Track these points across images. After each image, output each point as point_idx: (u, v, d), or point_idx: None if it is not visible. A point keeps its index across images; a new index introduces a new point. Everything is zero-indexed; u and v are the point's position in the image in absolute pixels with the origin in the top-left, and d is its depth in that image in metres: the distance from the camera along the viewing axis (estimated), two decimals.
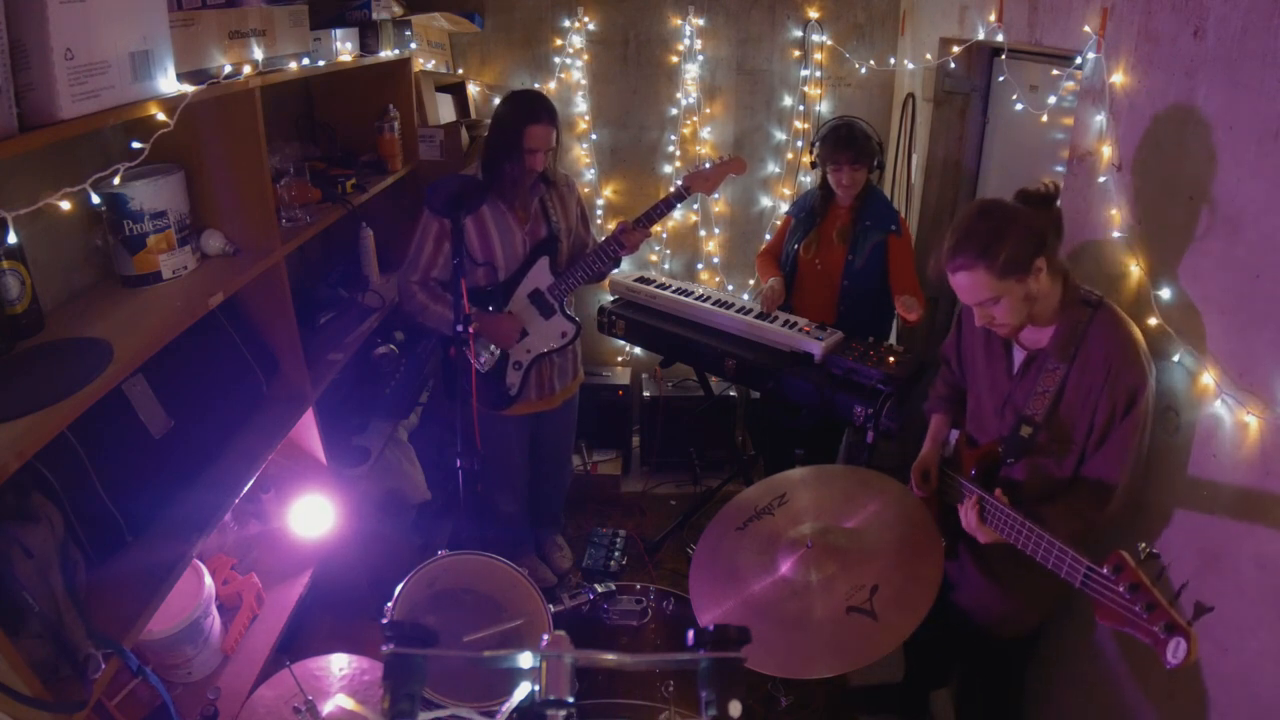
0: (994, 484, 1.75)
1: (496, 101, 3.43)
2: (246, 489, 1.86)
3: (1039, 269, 1.57)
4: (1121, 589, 1.34)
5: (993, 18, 2.36)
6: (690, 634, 0.99)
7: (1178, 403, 1.63)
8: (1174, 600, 1.30)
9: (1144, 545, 1.36)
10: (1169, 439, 1.66)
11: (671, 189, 2.54)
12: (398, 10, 2.77)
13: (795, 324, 2.68)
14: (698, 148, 3.48)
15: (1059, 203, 1.71)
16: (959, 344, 1.99)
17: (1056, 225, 1.66)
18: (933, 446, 2.01)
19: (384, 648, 0.98)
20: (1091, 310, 1.64)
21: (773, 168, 3.58)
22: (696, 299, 2.89)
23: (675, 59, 3.39)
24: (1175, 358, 1.60)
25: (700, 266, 3.75)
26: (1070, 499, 1.69)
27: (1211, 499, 1.55)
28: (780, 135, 3.52)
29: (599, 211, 3.62)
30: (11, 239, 1.32)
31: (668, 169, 3.56)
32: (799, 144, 3.46)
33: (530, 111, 2.30)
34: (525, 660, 0.98)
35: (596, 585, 2.12)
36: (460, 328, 1.94)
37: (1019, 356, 1.77)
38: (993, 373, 1.83)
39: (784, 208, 3.42)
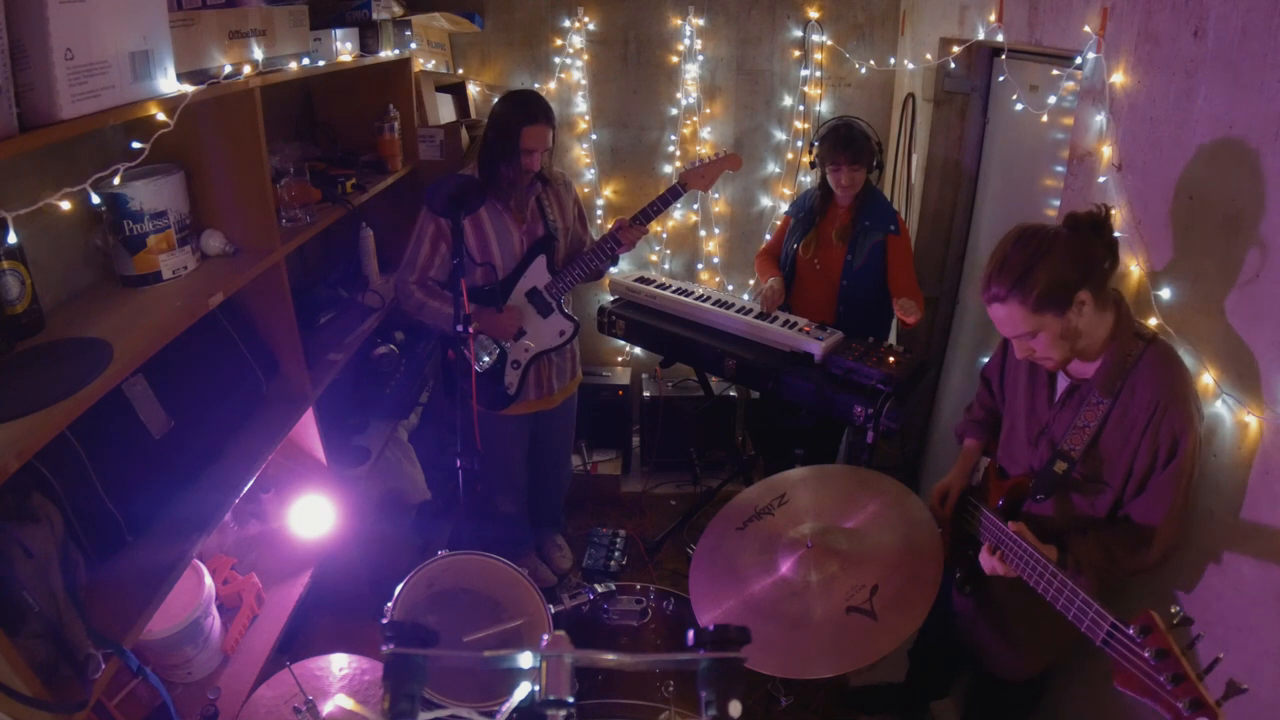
0: (1019, 519, 1.65)
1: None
2: (246, 489, 1.86)
3: (1082, 302, 1.46)
4: (1147, 654, 1.22)
5: (993, 18, 2.36)
6: (690, 634, 0.99)
7: None
8: (1204, 674, 1.17)
9: (1178, 609, 1.24)
10: None
11: (668, 187, 2.54)
12: (398, 10, 2.77)
13: (795, 324, 2.68)
14: (698, 148, 3.48)
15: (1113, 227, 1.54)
16: (1003, 364, 1.88)
17: (1111, 252, 1.50)
18: (959, 472, 1.93)
19: (384, 648, 0.98)
20: (1144, 345, 1.52)
21: (773, 168, 3.58)
22: (696, 299, 2.89)
23: (675, 59, 3.39)
24: None
25: (700, 266, 3.75)
26: (1102, 534, 1.59)
27: (1211, 498, 1.55)
28: (780, 135, 3.52)
29: (599, 211, 3.62)
30: (11, 239, 1.32)
31: (668, 169, 3.56)
32: (799, 144, 3.46)
33: (527, 112, 2.30)
34: (525, 660, 0.98)
35: (596, 585, 2.12)
36: (460, 328, 1.94)
37: (1062, 384, 1.67)
38: (1033, 399, 1.74)
39: (784, 208, 3.42)
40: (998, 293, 1.49)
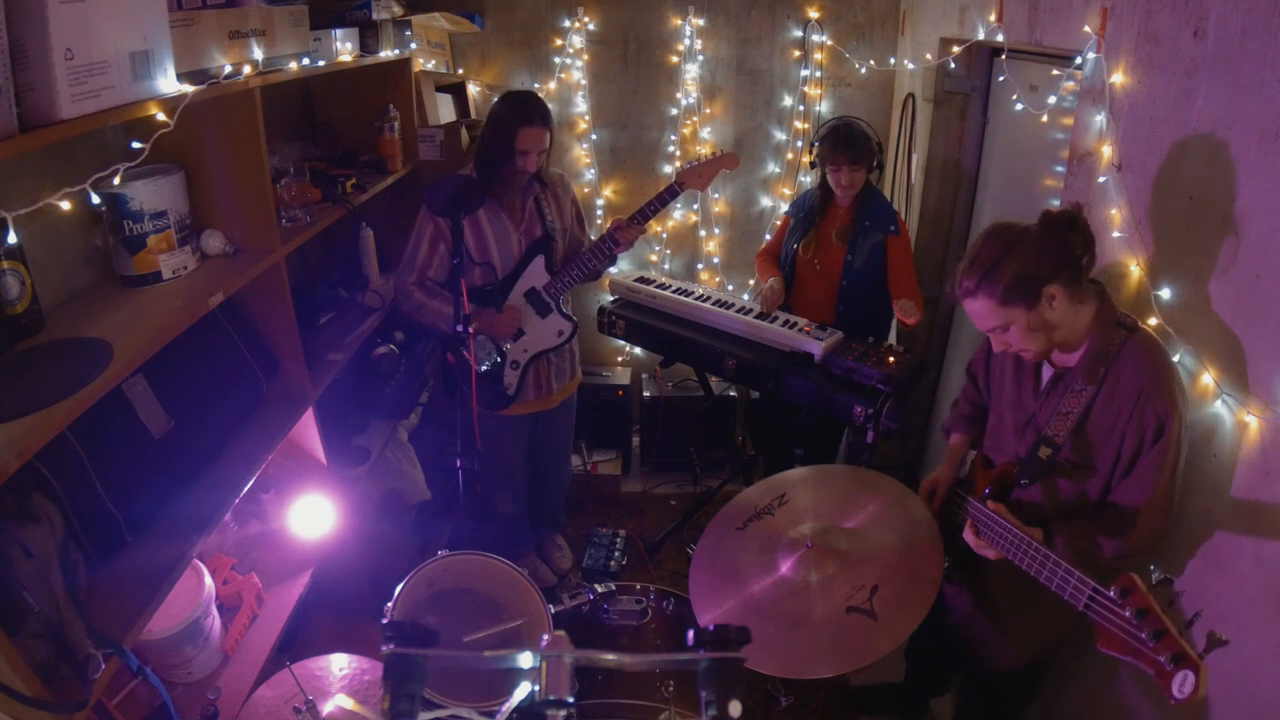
0: (1006, 506, 1.66)
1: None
2: (246, 489, 1.86)
3: (1051, 296, 1.49)
4: (1128, 613, 1.25)
5: (993, 18, 2.36)
6: (690, 634, 0.99)
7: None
8: (1185, 629, 1.20)
9: (1155, 569, 1.27)
10: None
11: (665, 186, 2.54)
12: (398, 10, 2.77)
13: (795, 324, 2.68)
14: (698, 148, 3.48)
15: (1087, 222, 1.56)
16: (988, 357, 1.91)
17: (1087, 248, 1.52)
18: (947, 466, 1.95)
19: (384, 648, 0.98)
20: (1126, 334, 1.55)
21: (772, 168, 3.58)
22: (696, 299, 2.89)
23: (675, 59, 3.39)
24: (1175, 358, 1.60)
25: (700, 266, 3.75)
26: (1085, 520, 1.62)
27: (1211, 499, 1.55)
28: (780, 135, 3.52)
29: (599, 211, 3.62)
30: (11, 239, 1.32)
31: (668, 169, 3.56)
32: (799, 144, 3.46)
33: (523, 113, 2.30)
34: (525, 660, 0.98)
35: (596, 585, 2.12)
36: (460, 328, 1.94)
37: (1047, 374, 1.70)
38: (1019, 390, 1.76)
39: (784, 208, 3.42)
40: (968, 287, 1.54)
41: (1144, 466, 1.53)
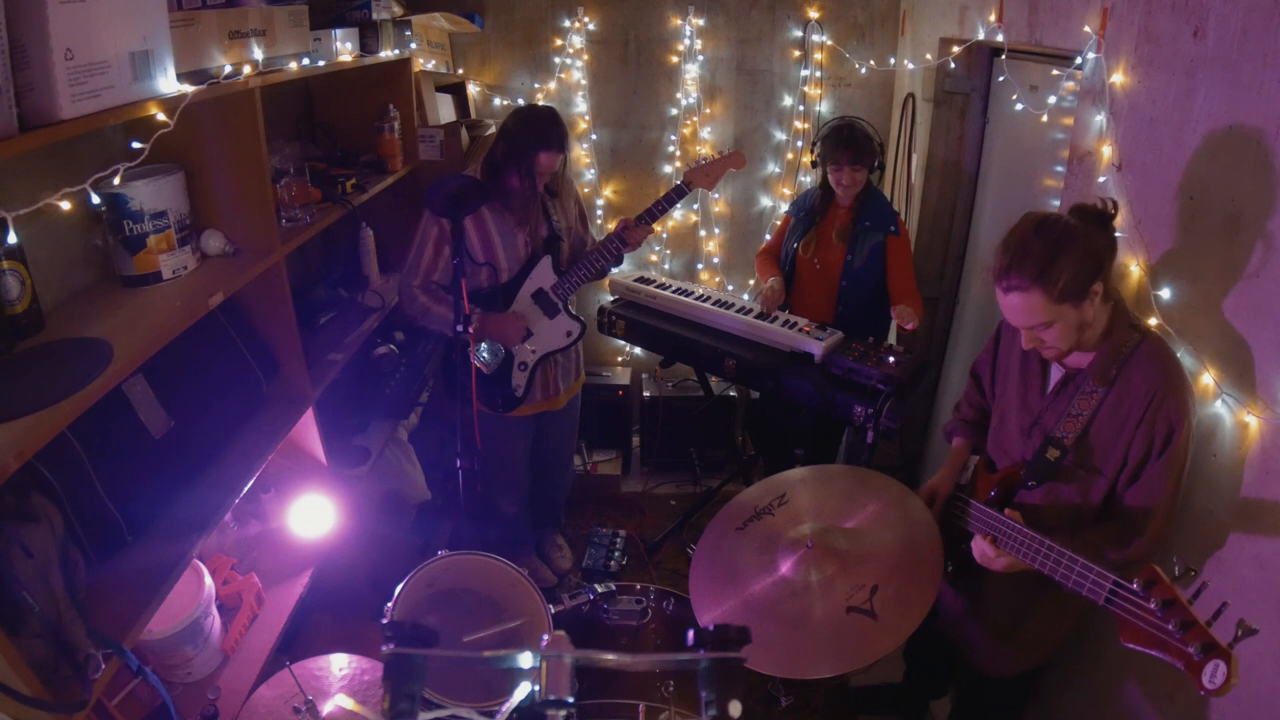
0: (1012, 509, 1.65)
1: (498, 102, 3.43)
2: (246, 489, 1.86)
3: (1095, 293, 1.46)
4: (1152, 605, 1.23)
5: (993, 18, 2.36)
6: (690, 634, 0.99)
7: None
8: (1212, 620, 1.19)
9: (1178, 562, 1.25)
10: None
11: (672, 187, 2.54)
12: (398, 10, 2.77)
13: (795, 324, 2.68)
14: (698, 148, 3.48)
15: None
16: (995, 358, 1.88)
17: (1111, 246, 1.50)
18: (948, 471, 1.93)
19: (384, 648, 0.98)
20: (1139, 337, 1.54)
21: (773, 168, 3.58)
22: (696, 299, 2.89)
23: (675, 59, 3.39)
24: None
25: (700, 266, 3.75)
26: (1091, 532, 1.59)
27: (1211, 499, 1.55)
28: (780, 135, 3.52)
29: (599, 211, 3.62)
30: (11, 239, 1.32)
31: (668, 169, 3.56)
32: (799, 144, 3.46)
33: (544, 139, 2.29)
34: (525, 660, 0.98)
35: (596, 585, 2.12)
36: (460, 329, 1.94)
37: (1055, 375, 1.68)
38: (1026, 391, 1.74)
39: (784, 207, 3.42)
40: (1019, 282, 1.45)
41: (1153, 472, 1.51)
